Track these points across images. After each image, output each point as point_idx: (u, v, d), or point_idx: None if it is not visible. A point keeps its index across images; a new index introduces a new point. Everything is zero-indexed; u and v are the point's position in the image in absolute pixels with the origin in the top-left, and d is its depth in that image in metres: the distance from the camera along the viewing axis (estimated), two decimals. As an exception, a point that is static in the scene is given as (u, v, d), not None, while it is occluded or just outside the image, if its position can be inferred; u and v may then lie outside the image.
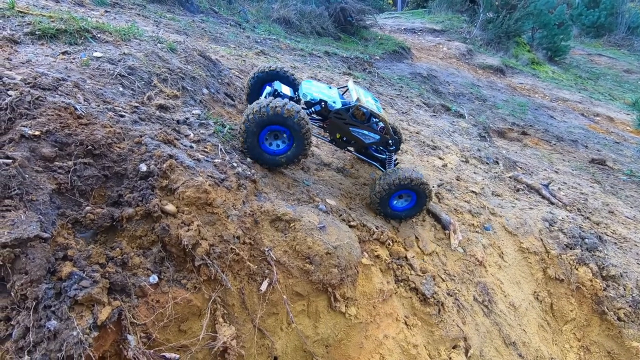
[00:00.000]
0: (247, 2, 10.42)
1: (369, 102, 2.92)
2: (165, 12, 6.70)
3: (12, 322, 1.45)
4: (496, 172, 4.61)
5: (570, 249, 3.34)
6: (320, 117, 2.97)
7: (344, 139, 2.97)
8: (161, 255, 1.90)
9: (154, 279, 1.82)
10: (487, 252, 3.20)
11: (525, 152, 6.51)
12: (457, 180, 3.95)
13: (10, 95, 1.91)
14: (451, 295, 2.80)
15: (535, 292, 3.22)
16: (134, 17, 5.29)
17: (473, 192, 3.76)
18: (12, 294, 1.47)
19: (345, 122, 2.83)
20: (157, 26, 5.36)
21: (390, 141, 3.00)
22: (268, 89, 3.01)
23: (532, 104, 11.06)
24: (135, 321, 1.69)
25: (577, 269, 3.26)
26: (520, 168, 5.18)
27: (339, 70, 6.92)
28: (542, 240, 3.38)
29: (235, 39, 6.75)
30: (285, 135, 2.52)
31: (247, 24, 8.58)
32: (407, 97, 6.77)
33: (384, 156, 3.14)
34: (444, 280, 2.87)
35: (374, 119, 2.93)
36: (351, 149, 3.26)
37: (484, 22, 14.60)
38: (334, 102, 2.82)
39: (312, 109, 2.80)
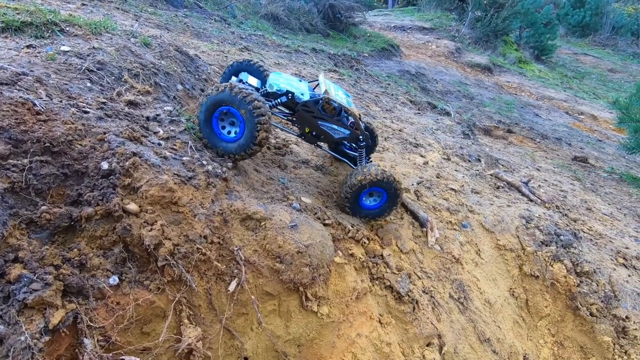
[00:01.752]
0: (235, -3, 10.29)
1: (338, 95, 2.84)
2: (147, 7, 6.55)
3: (-44, 327, 1.38)
4: (477, 170, 4.63)
5: (546, 245, 3.37)
6: (289, 111, 2.88)
7: (314, 133, 2.88)
8: (123, 256, 1.85)
9: (114, 280, 1.77)
10: (464, 250, 3.21)
11: (508, 150, 6.57)
12: (437, 177, 3.96)
13: (-38, 90, 1.83)
14: (426, 293, 2.81)
15: (511, 288, 3.25)
16: (112, 11, 5.15)
17: (452, 189, 3.77)
18: (-44, 297, 1.41)
19: (313, 115, 2.73)
20: (136, 20, 5.23)
21: (360, 137, 2.92)
22: (233, 79, 2.90)
23: (519, 102, 11.18)
24: (92, 324, 1.64)
25: (552, 266, 3.30)
26: (502, 166, 5.22)
27: (325, 67, 6.88)
28: (518, 237, 3.41)
29: (219, 34, 6.64)
30: (238, 120, 2.38)
31: (234, 20, 8.46)
32: (393, 94, 6.76)
33: (357, 154, 3.09)
34: (420, 278, 2.87)
35: (345, 114, 2.85)
36: (323, 145, 3.19)
37: (473, 21, 14.69)
38: (302, 94, 2.72)
39: (279, 100, 2.70)
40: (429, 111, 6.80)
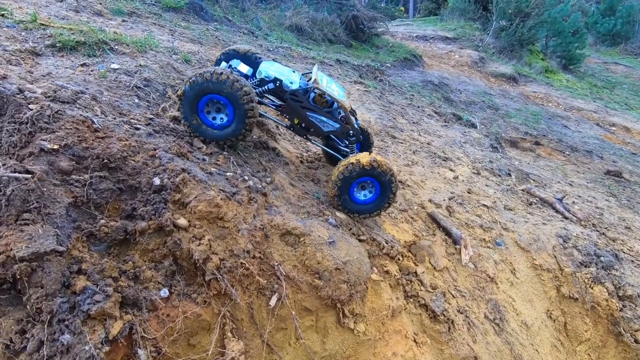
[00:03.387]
0: (260, 10, 10.55)
1: (331, 88, 2.71)
2: (180, 21, 6.83)
3: (27, 335, 1.47)
4: (508, 185, 4.54)
5: (585, 266, 3.25)
6: (280, 101, 2.79)
7: (303, 125, 2.77)
8: (172, 269, 1.92)
9: (164, 292, 1.84)
10: (498, 269, 3.14)
11: (538, 164, 6.40)
12: (469, 193, 3.90)
13: (31, 110, 1.96)
14: (462, 313, 2.76)
15: (548, 310, 3.15)
16: (150, 27, 5.40)
17: (485, 205, 3.71)
18: (27, 307, 1.50)
19: (302, 105, 2.63)
20: (172, 35, 5.46)
21: (350, 132, 2.80)
22: (223, 64, 2.79)
23: (546, 113, 10.89)
24: (145, 335, 1.71)
25: (592, 288, 3.17)
26: (533, 180, 5.09)
27: (350, 79, 6.94)
28: (555, 257, 3.31)
29: (248, 47, 6.82)
30: (226, 107, 2.35)
31: (260, 32, 8.69)
32: (419, 106, 6.74)
33: (349, 150, 2.93)
34: (454, 297, 2.82)
35: (337, 107, 2.73)
36: (316, 140, 3.01)
37: (497, 30, 14.49)
38: (291, 83, 2.62)
39: (266, 87, 2.62)
40: (456, 123, 6.73)
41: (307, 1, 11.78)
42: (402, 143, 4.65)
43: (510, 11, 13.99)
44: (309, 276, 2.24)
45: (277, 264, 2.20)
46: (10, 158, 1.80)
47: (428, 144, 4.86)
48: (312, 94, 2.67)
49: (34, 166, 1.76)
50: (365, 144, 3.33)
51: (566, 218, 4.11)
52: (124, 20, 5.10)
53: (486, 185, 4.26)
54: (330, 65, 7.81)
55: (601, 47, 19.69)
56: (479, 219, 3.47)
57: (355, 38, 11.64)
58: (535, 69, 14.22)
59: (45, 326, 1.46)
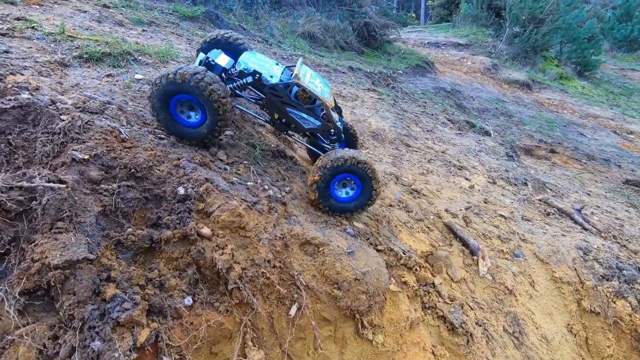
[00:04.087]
0: (273, 18, 10.70)
1: (314, 83, 2.62)
2: (197, 30, 6.98)
3: (59, 341, 1.52)
4: (525, 195, 4.48)
5: (607, 280, 3.18)
6: (261, 96, 2.67)
7: (283, 120, 2.68)
8: (195, 277, 1.95)
9: (188, 300, 1.87)
10: (517, 281, 3.10)
11: (554, 172, 6.30)
12: (485, 203, 3.86)
13: (63, 120, 2.04)
14: (480, 325, 2.72)
15: (568, 324, 3.08)
16: (168, 36, 5.54)
17: (502, 216, 3.67)
18: (60, 313, 1.55)
19: (282, 100, 2.54)
20: (189, 44, 5.58)
21: (332, 130, 2.70)
22: (201, 55, 2.61)
23: (561, 120, 10.73)
24: (170, 343, 1.74)
25: (614, 302, 3.10)
26: (550, 190, 5.01)
27: (363, 87, 6.96)
28: (576, 270, 3.24)
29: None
30: (197, 105, 2.28)
31: (273, 39, 8.80)
32: (432, 114, 6.72)
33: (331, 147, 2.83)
34: (472, 309, 2.79)
35: (319, 104, 2.64)
36: (299, 137, 2.93)
37: (510, 37, 14.38)
38: (271, 77, 2.52)
39: (244, 80, 2.51)
40: (469, 131, 6.68)
41: (320, 8, 11.91)
42: (416, 151, 4.64)
43: (523, 17, 13.89)
44: (328, 286, 2.25)
45: (296, 273, 2.21)
46: (44, 167, 1.87)
47: (443, 152, 4.84)
48: (295, 89, 2.58)
49: (67, 176, 1.82)
50: (350, 143, 3.25)
51: (585, 229, 4.03)
52: (144, 30, 5.25)
53: (502, 195, 4.21)
54: (343, 72, 7.86)
55: (617, 53, 19.34)
56: (496, 230, 3.43)
57: (367, 45, 11.70)
58: (550, 76, 14.04)
59: (77, 333, 1.50)
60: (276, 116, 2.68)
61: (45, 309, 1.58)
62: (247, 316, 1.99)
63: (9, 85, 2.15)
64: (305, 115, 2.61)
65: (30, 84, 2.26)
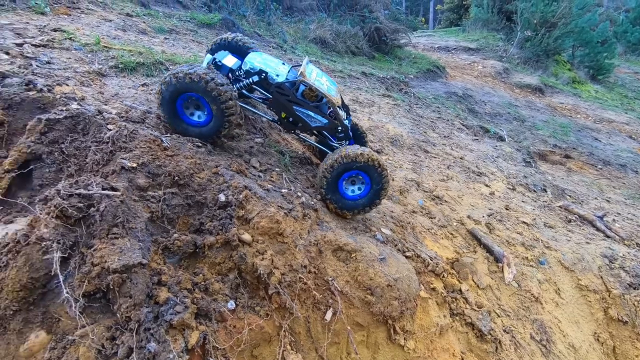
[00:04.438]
0: (285, 24, 10.84)
1: (320, 81, 2.62)
2: (215, 36, 7.13)
3: (116, 342, 1.59)
4: (545, 201, 4.48)
5: (634, 289, 3.17)
6: (268, 95, 2.67)
7: (290, 119, 2.68)
8: (237, 282, 2.02)
9: (231, 304, 1.93)
10: (542, 288, 3.11)
11: (572, 179, 6.27)
12: (507, 209, 3.88)
13: (111, 130, 2.13)
14: (508, 332, 2.74)
15: (595, 333, 3.08)
16: (189, 43, 5.67)
17: (524, 222, 3.68)
18: (117, 315, 1.62)
19: (288, 99, 2.55)
20: (210, 51, 5.72)
21: (339, 128, 2.71)
22: (208, 56, 2.66)
23: (575, 125, 10.64)
24: (216, 345, 1.80)
25: (642, 311, 3.09)
26: (570, 197, 5.00)
27: (378, 92, 7.02)
28: (602, 278, 3.24)
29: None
30: (204, 105, 2.32)
31: (287, 45, 8.92)
32: (448, 119, 6.74)
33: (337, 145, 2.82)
34: (499, 316, 2.81)
35: (325, 101, 2.65)
36: (309, 138, 2.93)
37: (522, 41, 14.34)
38: (277, 75, 2.53)
39: (250, 79, 2.53)
40: (485, 136, 6.68)
41: (331, 14, 12.02)
42: (435, 157, 4.68)
43: (535, 21, 13.84)
44: (361, 292, 2.30)
45: (331, 279, 2.26)
46: (95, 175, 1.95)
47: (461, 158, 4.86)
48: (302, 87, 2.58)
49: (117, 183, 1.90)
50: (359, 141, 3.25)
51: (608, 237, 4.01)
52: (165, 38, 5.39)
53: (523, 202, 4.22)
54: (357, 78, 7.93)
55: (631, 56, 19.12)
56: (519, 237, 3.45)
57: (378, 50, 11.77)
58: (562, 80, 13.95)
59: (134, 334, 1.57)
60: (283, 115, 2.69)
61: (102, 311, 1.65)
62: (286, 320, 2.04)
63: (58, 96, 2.25)
64: (312, 113, 2.62)
65: (76, 94, 2.36)
